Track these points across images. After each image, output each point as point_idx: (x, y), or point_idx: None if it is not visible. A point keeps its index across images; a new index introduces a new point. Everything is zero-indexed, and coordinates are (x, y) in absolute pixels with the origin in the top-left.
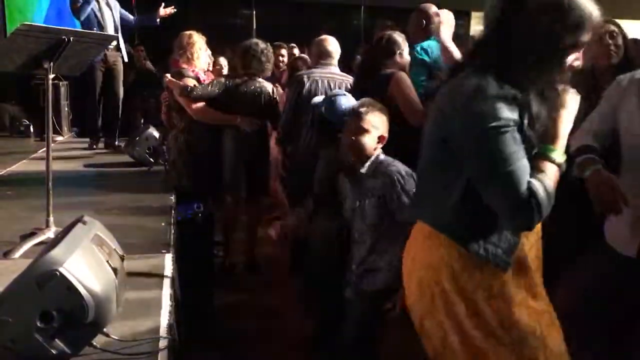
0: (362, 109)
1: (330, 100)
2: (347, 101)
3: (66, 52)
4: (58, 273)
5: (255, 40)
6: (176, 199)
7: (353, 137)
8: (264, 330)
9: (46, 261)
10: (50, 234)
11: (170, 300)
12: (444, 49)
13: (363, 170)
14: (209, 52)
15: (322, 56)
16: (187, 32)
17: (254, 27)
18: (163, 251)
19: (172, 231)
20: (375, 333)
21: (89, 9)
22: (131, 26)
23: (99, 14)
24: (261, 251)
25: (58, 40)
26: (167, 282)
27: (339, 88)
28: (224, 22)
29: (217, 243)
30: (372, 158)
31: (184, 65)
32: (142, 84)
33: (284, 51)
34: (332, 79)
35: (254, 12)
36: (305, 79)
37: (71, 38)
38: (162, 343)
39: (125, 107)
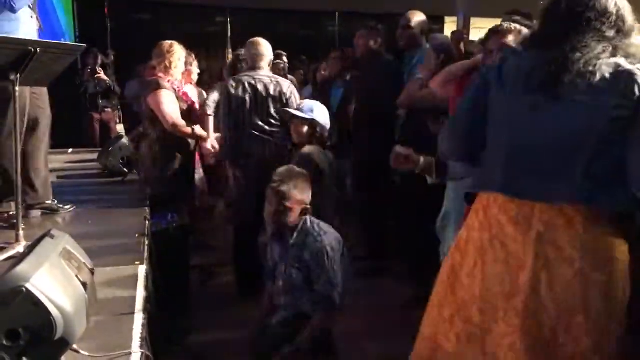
0: (283, 188)
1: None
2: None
3: (33, 63)
4: (24, 289)
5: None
6: (151, 209)
7: (275, 213)
8: (241, 342)
9: (12, 277)
10: (20, 248)
11: (144, 313)
12: None
13: (291, 241)
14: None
15: (253, 59)
16: (169, 42)
17: (229, 35)
18: (137, 263)
19: (147, 242)
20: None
21: None
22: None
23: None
24: None
25: (24, 51)
26: (140, 295)
27: (269, 89)
28: (199, 30)
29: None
30: (300, 226)
31: (161, 74)
32: (100, 94)
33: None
34: (260, 81)
35: (229, 20)
36: (232, 86)
37: (38, 49)
38: (135, 358)
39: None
